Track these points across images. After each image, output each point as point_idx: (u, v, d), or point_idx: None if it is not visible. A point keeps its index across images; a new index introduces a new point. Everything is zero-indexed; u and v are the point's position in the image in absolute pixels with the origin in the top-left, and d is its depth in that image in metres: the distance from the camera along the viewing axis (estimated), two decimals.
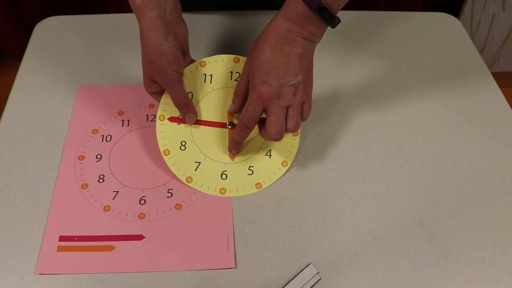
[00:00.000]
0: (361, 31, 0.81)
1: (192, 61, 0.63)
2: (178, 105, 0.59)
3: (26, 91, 0.70)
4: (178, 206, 0.58)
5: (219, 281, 0.52)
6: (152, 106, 0.68)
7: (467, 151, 0.65)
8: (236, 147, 0.60)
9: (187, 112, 0.59)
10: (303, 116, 0.57)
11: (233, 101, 0.60)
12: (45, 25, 0.80)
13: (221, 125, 0.62)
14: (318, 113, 0.68)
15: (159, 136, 0.60)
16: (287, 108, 0.55)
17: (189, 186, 0.59)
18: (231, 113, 0.61)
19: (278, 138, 0.56)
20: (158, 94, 0.60)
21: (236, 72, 0.62)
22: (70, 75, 0.72)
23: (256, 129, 0.60)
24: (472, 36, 1.60)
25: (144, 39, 0.54)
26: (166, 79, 0.56)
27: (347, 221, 0.57)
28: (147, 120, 0.66)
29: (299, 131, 0.63)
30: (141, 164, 0.62)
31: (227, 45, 0.77)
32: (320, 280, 0.52)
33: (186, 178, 0.60)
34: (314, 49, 0.55)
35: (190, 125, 0.61)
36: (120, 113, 0.67)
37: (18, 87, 0.71)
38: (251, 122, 0.56)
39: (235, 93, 0.59)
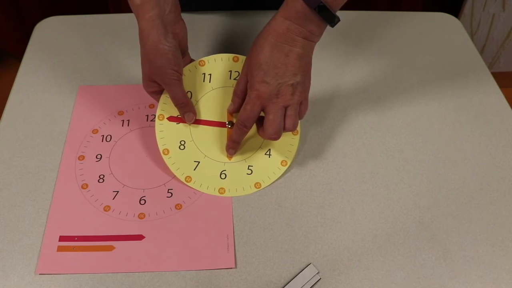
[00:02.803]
0: (361, 31, 0.81)
1: (191, 60, 0.63)
2: (177, 104, 0.59)
3: (26, 91, 0.70)
4: (178, 206, 0.58)
5: (219, 281, 0.52)
6: (152, 106, 0.68)
7: (467, 151, 0.65)
8: (233, 147, 0.60)
9: (187, 112, 0.59)
10: (300, 115, 0.57)
11: (232, 100, 0.60)
12: (45, 25, 0.80)
13: (221, 124, 0.62)
14: (318, 113, 0.68)
15: (158, 135, 0.60)
16: (286, 107, 0.55)
17: (188, 186, 0.59)
18: (230, 113, 0.61)
19: (276, 137, 0.56)
20: (157, 93, 0.60)
21: (235, 71, 0.62)
22: (70, 75, 0.72)
23: (254, 129, 0.60)
24: (472, 36, 1.60)
25: (143, 39, 0.54)
26: (165, 78, 0.56)
27: (347, 221, 0.57)
28: (147, 120, 0.66)
29: (298, 130, 0.63)
30: (141, 164, 0.62)
31: (226, 45, 0.77)
32: (320, 280, 0.52)
33: (185, 178, 0.60)
34: (313, 48, 0.55)
35: (189, 125, 0.61)
36: (120, 113, 0.67)
37: (18, 87, 0.71)
38: (249, 121, 0.56)
39: (235, 92, 0.59)
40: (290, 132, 0.61)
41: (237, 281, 0.52)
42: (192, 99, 0.61)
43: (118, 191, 0.59)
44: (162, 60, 0.54)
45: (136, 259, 0.53)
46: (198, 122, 0.61)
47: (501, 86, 0.74)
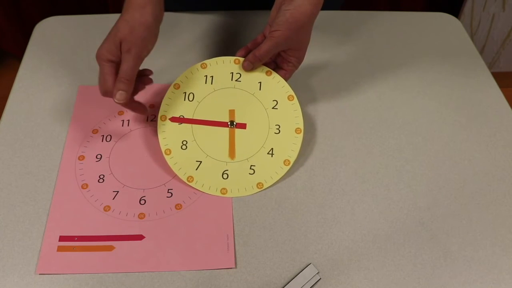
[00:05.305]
0: (361, 31, 0.81)
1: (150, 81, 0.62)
2: (123, 77, 0.55)
3: (26, 91, 0.70)
4: (178, 206, 0.58)
5: (219, 281, 0.52)
6: (152, 106, 0.68)
7: (467, 151, 0.65)
8: (254, 61, 0.61)
9: (124, 89, 0.55)
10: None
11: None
12: (45, 25, 0.80)
13: (222, 124, 0.62)
14: (318, 113, 0.68)
15: (160, 136, 0.60)
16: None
17: (190, 186, 0.59)
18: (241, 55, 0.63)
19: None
20: (108, 62, 0.56)
21: (236, 73, 0.62)
22: (70, 75, 0.72)
23: (257, 128, 0.61)
24: (472, 36, 1.60)
25: (137, 6, 0.54)
26: (138, 50, 0.54)
27: (347, 221, 0.57)
28: (147, 120, 0.66)
29: (302, 129, 0.62)
30: (141, 164, 0.62)
31: (227, 45, 0.77)
32: (320, 280, 0.52)
33: (187, 178, 0.60)
34: None
35: (191, 125, 0.61)
36: (120, 113, 0.67)
37: (18, 87, 0.71)
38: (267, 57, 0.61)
39: (259, 54, 0.60)
40: (294, 131, 0.62)
41: (237, 281, 0.52)
42: (194, 100, 0.62)
43: (118, 191, 0.59)
44: (150, 34, 0.55)
45: (136, 259, 0.53)
46: (200, 122, 0.61)
47: (501, 86, 0.74)
